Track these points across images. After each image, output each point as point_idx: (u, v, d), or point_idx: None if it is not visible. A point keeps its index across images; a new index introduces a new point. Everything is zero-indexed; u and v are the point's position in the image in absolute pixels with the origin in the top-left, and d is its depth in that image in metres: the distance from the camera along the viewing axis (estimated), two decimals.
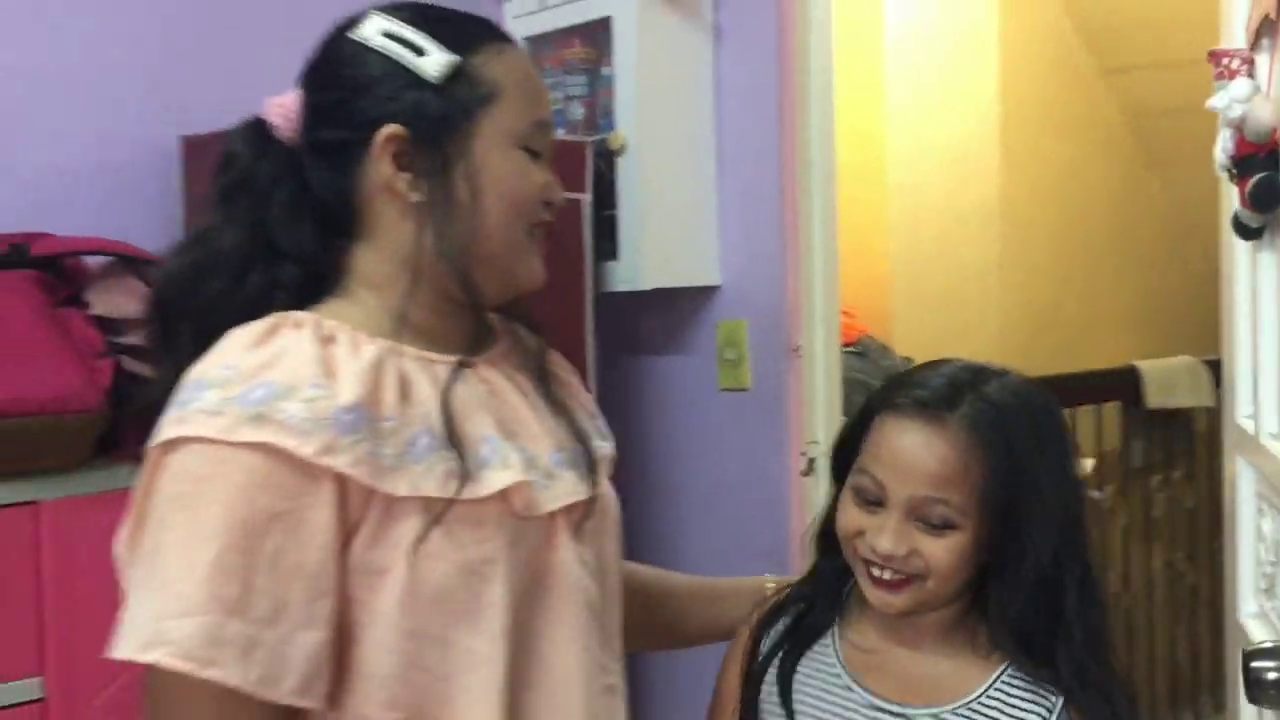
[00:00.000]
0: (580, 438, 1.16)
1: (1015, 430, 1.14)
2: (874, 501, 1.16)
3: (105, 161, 2.01)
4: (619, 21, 2.22)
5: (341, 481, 0.99)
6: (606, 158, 2.22)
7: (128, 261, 1.74)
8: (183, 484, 0.98)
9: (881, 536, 1.14)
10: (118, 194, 2.01)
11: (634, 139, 2.20)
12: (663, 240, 2.23)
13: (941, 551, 1.13)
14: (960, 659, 1.18)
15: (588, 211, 2.17)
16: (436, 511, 1.02)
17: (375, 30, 1.10)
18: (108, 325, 1.67)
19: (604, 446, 1.22)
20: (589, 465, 1.15)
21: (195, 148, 2.01)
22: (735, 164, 2.28)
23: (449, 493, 1.02)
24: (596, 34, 2.29)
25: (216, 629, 0.95)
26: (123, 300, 1.69)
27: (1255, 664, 1.02)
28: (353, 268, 1.12)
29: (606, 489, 1.20)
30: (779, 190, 2.19)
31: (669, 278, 2.25)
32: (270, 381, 0.99)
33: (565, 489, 1.11)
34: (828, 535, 1.24)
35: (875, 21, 3.16)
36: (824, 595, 1.25)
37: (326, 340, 1.04)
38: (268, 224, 1.11)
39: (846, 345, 2.85)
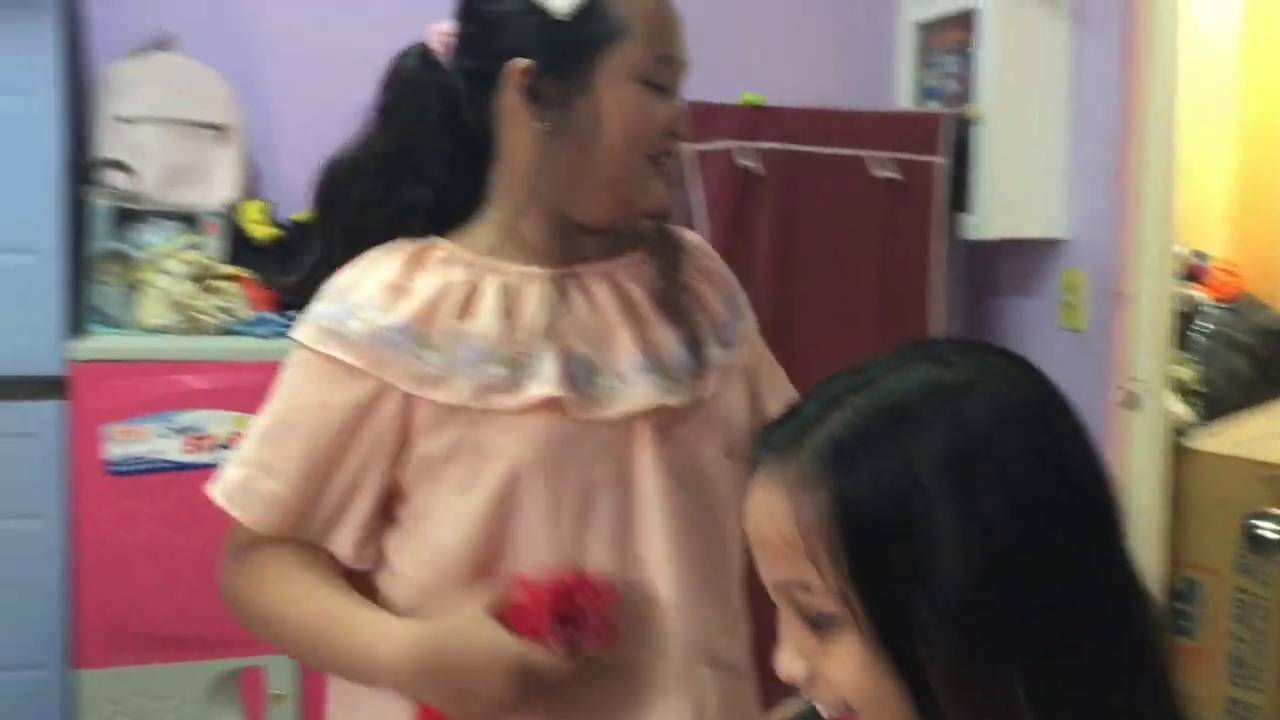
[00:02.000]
0: (691, 345, 1.18)
1: (895, 457, 0.70)
2: None
3: None
4: (984, 10, 2.61)
5: (391, 388, 1.13)
6: (967, 126, 2.63)
7: None
8: (282, 372, 1.20)
9: (779, 653, 0.78)
10: None
11: (990, 111, 2.60)
12: (1008, 198, 2.61)
13: (836, 668, 0.73)
14: None
15: (940, 173, 2.60)
16: (473, 417, 1.12)
17: None
18: None
19: (719, 354, 1.21)
20: (692, 371, 1.17)
21: None
22: (1086, 133, 2.60)
23: (480, 403, 1.12)
24: (971, 21, 2.69)
25: (251, 481, 1.16)
26: None
27: (1254, 521, 1.27)
28: (488, 191, 1.21)
29: (722, 396, 1.20)
30: (1118, 157, 2.49)
31: (1012, 229, 2.63)
32: (348, 302, 1.16)
33: (640, 394, 1.15)
34: None
35: None
36: None
37: (416, 263, 1.17)
38: (418, 141, 1.19)
39: (1223, 301, 3.04)
